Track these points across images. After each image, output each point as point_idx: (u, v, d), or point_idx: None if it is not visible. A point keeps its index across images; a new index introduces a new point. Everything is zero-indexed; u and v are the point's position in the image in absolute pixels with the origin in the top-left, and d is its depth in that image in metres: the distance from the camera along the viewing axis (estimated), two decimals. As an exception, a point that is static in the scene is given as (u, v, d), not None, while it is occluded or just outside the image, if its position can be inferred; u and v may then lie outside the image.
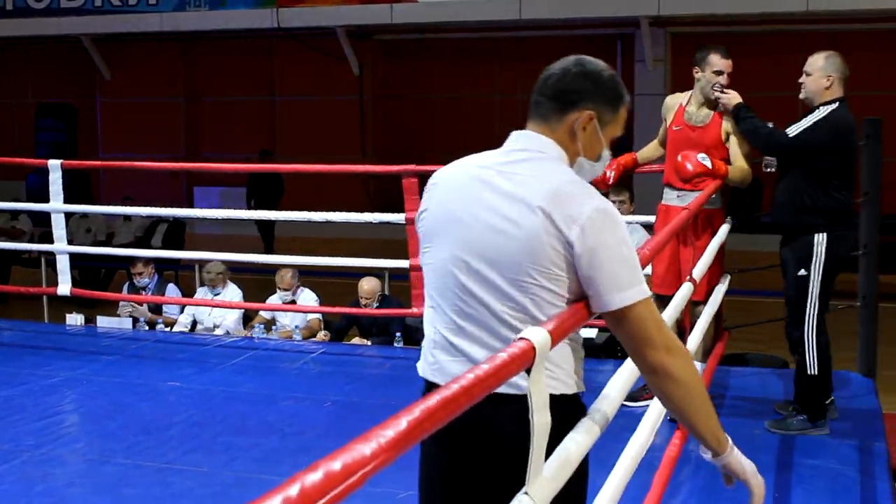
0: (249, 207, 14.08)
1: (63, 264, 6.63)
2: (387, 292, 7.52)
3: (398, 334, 6.69)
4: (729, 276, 5.03)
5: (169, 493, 3.91)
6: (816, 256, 4.43)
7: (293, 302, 7.32)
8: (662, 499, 3.17)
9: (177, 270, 10.86)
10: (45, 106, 18.30)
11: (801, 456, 4.24)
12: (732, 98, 4.64)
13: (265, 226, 14.30)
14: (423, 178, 2.79)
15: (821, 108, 4.46)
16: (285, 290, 7.33)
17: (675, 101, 4.92)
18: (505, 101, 16.42)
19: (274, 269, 7.54)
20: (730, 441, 2.11)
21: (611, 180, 4.89)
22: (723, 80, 4.67)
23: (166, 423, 4.73)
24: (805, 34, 13.48)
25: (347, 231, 10.89)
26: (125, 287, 8.17)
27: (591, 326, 5.57)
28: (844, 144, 4.45)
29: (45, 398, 5.14)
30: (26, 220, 12.51)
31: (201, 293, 7.86)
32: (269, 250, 13.73)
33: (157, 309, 7.84)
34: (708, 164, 4.55)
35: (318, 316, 7.32)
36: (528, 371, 1.63)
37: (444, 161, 2.36)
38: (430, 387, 2.11)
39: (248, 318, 7.66)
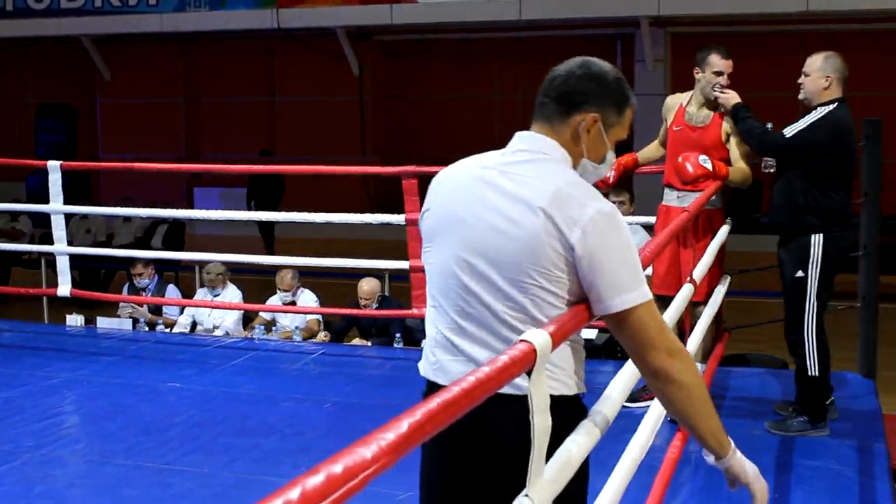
0: (249, 208, 14.09)
1: (63, 265, 6.62)
2: (387, 293, 7.52)
3: (398, 335, 6.69)
4: (729, 277, 5.03)
5: (169, 494, 3.91)
6: (813, 257, 4.42)
7: (293, 303, 7.32)
8: (663, 500, 3.17)
9: (177, 271, 10.85)
10: (45, 106, 18.30)
11: (800, 457, 4.24)
12: (731, 98, 4.63)
13: (265, 226, 14.30)
14: (423, 179, 2.78)
15: (819, 108, 4.45)
16: (285, 290, 7.33)
17: (675, 101, 4.91)
18: (505, 101, 16.43)
19: (274, 269, 7.54)
20: (732, 444, 2.11)
21: (611, 180, 4.88)
22: (723, 80, 4.66)
23: (166, 424, 4.73)
24: (804, 34, 13.49)
25: (347, 232, 10.88)
26: (125, 288, 8.18)
27: (592, 327, 5.56)
28: (843, 145, 4.43)
29: (45, 399, 5.14)
30: (26, 221, 12.51)
31: (201, 294, 7.86)
32: (269, 251, 13.72)
33: (157, 310, 7.84)
34: (709, 166, 4.53)
35: (318, 317, 7.32)
36: (529, 373, 1.62)
37: (445, 161, 2.36)
38: (432, 386, 2.11)
39: (248, 319, 7.65)
